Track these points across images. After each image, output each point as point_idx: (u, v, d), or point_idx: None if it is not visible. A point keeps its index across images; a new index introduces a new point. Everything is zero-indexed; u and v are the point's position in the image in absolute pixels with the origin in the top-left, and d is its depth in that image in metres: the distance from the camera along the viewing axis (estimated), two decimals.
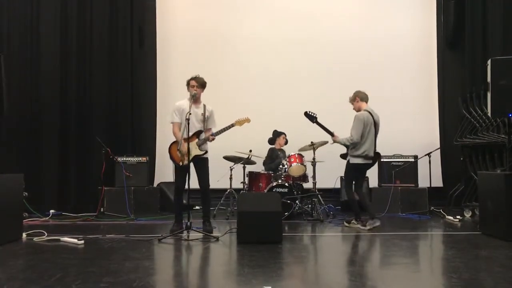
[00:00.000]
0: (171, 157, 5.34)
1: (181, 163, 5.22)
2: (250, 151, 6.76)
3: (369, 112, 5.72)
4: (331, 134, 5.79)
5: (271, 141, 7.30)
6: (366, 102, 5.84)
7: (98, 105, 7.39)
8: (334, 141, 5.82)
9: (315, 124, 5.79)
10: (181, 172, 5.26)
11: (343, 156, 5.79)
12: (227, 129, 5.31)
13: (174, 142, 5.34)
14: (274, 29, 8.14)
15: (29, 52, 7.19)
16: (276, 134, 7.25)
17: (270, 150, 7.20)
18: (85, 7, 7.42)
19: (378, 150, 7.48)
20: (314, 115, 5.83)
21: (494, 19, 7.32)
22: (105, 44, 7.50)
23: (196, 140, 5.27)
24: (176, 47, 8.23)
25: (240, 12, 8.27)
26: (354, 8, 8.25)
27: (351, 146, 5.67)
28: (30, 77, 7.19)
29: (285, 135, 7.25)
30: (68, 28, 7.35)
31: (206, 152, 5.32)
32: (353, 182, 5.83)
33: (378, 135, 7.87)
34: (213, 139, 5.28)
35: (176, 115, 5.34)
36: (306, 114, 5.83)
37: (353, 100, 5.86)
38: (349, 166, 5.75)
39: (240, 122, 5.39)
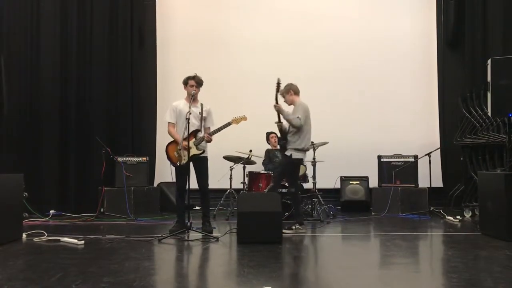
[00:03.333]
0: (168, 158, 5.35)
1: (178, 163, 5.23)
2: (250, 151, 6.77)
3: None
4: (276, 101, 5.37)
5: (267, 141, 7.33)
6: (298, 95, 5.51)
7: (98, 105, 7.39)
8: (277, 110, 5.34)
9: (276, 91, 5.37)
10: (181, 172, 5.26)
11: (282, 146, 5.40)
12: (224, 128, 5.29)
13: (170, 143, 5.35)
14: (274, 29, 8.14)
15: (29, 52, 7.19)
16: (267, 135, 7.26)
17: (267, 151, 7.23)
18: (85, 7, 7.42)
19: (378, 150, 7.55)
20: (280, 84, 5.36)
21: (494, 19, 7.32)
22: (105, 44, 7.50)
23: (193, 139, 5.27)
24: (176, 47, 8.23)
25: (240, 12, 8.27)
26: (353, 9, 8.25)
27: (293, 136, 5.33)
28: (30, 77, 7.18)
29: (275, 134, 7.23)
30: (68, 28, 7.35)
31: (204, 151, 5.31)
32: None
33: (378, 134, 7.95)
34: (209, 139, 5.26)
35: (172, 116, 5.37)
36: (279, 82, 5.35)
37: (286, 93, 5.42)
38: (290, 161, 5.34)
39: (237, 120, 5.36)
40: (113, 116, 7.50)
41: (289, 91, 5.47)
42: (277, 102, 5.39)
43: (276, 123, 5.45)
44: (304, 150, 5.42)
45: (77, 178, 7.23)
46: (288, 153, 5.38)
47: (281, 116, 5.41)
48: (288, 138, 5.41)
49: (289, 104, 5.54)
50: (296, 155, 5.36)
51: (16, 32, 7.15)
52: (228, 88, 7.89)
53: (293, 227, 5.35)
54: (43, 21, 7.24)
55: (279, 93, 5.46)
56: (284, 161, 5.52)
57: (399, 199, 7.01)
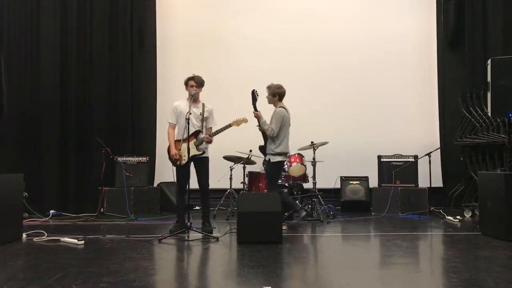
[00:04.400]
0: (170, 157, 5.37)
1: (178, 163, 5.24)
2: (250, 151, 6.76)
3: (286, 110, 5.70)
4: (255, 109, 5.62)
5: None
6: (281, 101, 5.73)
7: (98, 105, 7.38)
8: (256, 116, 5.58)
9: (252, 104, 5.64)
10: (181, 172, 5.27)
11: (261, 149, 5.77)
12: (225, 129, 5.32)
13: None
14: (274, 29, 8.13)
15: (29, 52, 7.19)
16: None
17: None
18: (85, 7, 7.42)
19: (378, 150, 7.56)
20: (257, 97, 5.65)
21: (494, 19, 7.31)
22: (105, 44, 7.50)
23: (194, 140, 5.28)
24: (176, 47, 8.22)
25: (240, 12, 8.26)
26: (353, 9, 8.24)
27: (270, 143, 5.58)
28: (30, 77, 7.18)
29: None
30: (68, 28, 7.35)
31: (204, 152, 5.32)
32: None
33: (378, 134, 7.94)
34: (209, 140, 5.27)
35: (173, 116, 5.38)
36: (253, 92, 5.64)
37: (271, 94, 5.67)
38: (272, 166, 5.60)
39: (237, 123, 5.40)
40: (113, 116, 7.49)
41: (275, 96, 5.67)
42: (256, 110, 5.61)
43: (257, 126, 5.67)
44: (281, 154, 5.61)
45: (77, 178, 7.22)
46: (267, 158, 5.63)
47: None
48: (267, 144, 5.64)
49: (269, 103, 5.74)
50: (274, 159, 5.57)
51: (16, 32, 7.15)
52: (228, 88, 7.88)
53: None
54: (43, 21, 7.24)
55: (266, 87, 5.72)
56: (266, 167, 5.73)
57: (399, 199, 7.01)
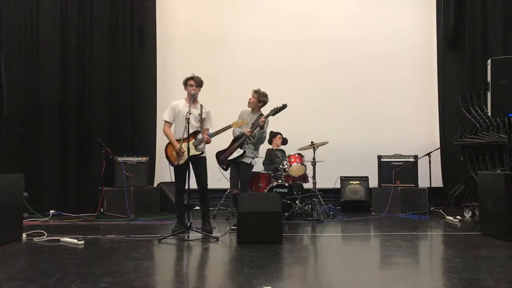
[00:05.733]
0: (167, 157, 5.37)
1: (176, 163, 5.24)
2: None
3: None
4: (267, 116, 5.74)
5: (269, 141, 7.31)
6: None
7: (98, 105, 7.39)
8: (263, 123, 5.62)
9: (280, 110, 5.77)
10: (179, 172, 5.27)
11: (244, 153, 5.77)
12: (225, 130, 5.33)
13: (170, 142, 5.36)
14: (274, 29, 8.13)
15: (29, 52, 7.20)
16: (272, 135, 7.24)
17: (268, 151, 7.21)
18: (85, 7, 7.42)
19: (378, 150, 7.56)
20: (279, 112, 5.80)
21: (494, 19, 7.32)
22: (105, 44, 7.50)
23: (193, 140, 5.28)
24: (176, 47, 8.22)
25: (239, 12, 8.26)
26: (353, 8, 8.24)
27: (253, 148, 5.81)
28: (30, 77, 7.19)
29: (281, 135, 7.24)
30: (68, 28, 7.35)
31: (203, 152, 5.33)
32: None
33: (378, 134, 7.95)
34: (209, 140, 5.28)
35: (170, 114, 5.38)
36: (285, 106, 5.77)
37: (258, 100, 5.83)
38: (251, 168, 5.87)
39: (237, 124, 5.45)
40: (113, 116, 7.49)
41: (261, 102, 5.85)
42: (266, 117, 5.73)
43: (250, 131, 5.66)
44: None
45: (77, 178, 7.22)
46: (247, 160, 5.76)
47: (255, 128, 5.69)
48: (249, 147, 5.79)
49: (250, 107, 5.86)
50: (253, 162, 5.90)
51: (16, 32, 7.15)
52: (228, 88, 7.87)
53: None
54: (43, 21, 7.25)
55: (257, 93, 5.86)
56: (246, 169, 5.81)
57: (399, 199, 7.01)
